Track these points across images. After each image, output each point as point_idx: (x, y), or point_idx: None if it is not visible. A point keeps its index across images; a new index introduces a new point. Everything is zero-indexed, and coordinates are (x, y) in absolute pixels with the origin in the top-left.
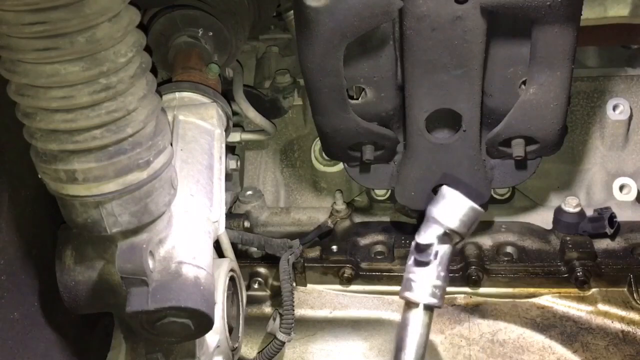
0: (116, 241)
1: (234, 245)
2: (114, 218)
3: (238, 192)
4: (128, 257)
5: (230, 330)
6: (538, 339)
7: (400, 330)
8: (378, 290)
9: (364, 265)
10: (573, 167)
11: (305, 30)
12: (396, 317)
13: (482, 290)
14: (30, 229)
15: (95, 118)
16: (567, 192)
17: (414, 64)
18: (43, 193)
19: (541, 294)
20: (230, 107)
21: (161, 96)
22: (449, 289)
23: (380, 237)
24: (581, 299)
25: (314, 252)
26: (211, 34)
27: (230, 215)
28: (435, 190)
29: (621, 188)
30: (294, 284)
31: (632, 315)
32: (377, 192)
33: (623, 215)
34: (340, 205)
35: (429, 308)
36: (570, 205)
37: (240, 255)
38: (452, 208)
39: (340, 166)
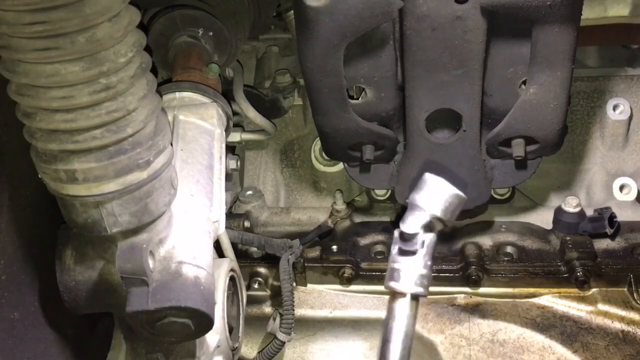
0: (116, 241)
1: (234, 245)
2: (114, 218)
3: (238, 192)
4: (128, 257)
5: (231, 330)
6: (538, 339)
7: (386, 321)
8: (378, 290)
9: (364, 265)
10: (573, 167)
11: (305, 30)
12: None
13: (482, 290)
14: (30, 229)
15: (95, 118)
16: (567, 192)
17: (414, 63)
18: (43, 193)
19: (541, 294)
20: (231, 107)
21: (161, 96)
22: (449, 288)
23: (380, 237)
24: (581, 299)
25: (314, 252)
26: (211, 33)
27: (230, 215)
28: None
29: (621, 188)
30: (294, 284)
31: (632, 315)
32: (377, 192)
33: (623, 215)
34: (340, 205)
35: (415, 298)
36: (570, 205)
37: (240, 255)
38: (435, 195)
39: (340, 166)
